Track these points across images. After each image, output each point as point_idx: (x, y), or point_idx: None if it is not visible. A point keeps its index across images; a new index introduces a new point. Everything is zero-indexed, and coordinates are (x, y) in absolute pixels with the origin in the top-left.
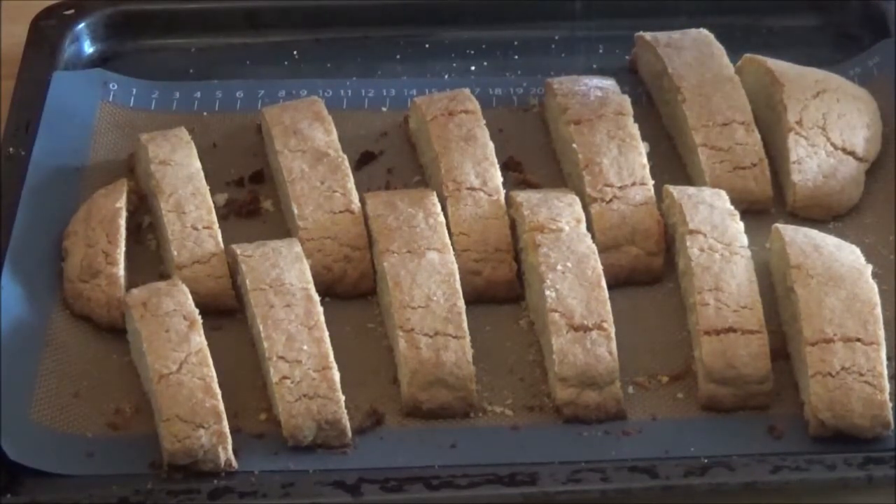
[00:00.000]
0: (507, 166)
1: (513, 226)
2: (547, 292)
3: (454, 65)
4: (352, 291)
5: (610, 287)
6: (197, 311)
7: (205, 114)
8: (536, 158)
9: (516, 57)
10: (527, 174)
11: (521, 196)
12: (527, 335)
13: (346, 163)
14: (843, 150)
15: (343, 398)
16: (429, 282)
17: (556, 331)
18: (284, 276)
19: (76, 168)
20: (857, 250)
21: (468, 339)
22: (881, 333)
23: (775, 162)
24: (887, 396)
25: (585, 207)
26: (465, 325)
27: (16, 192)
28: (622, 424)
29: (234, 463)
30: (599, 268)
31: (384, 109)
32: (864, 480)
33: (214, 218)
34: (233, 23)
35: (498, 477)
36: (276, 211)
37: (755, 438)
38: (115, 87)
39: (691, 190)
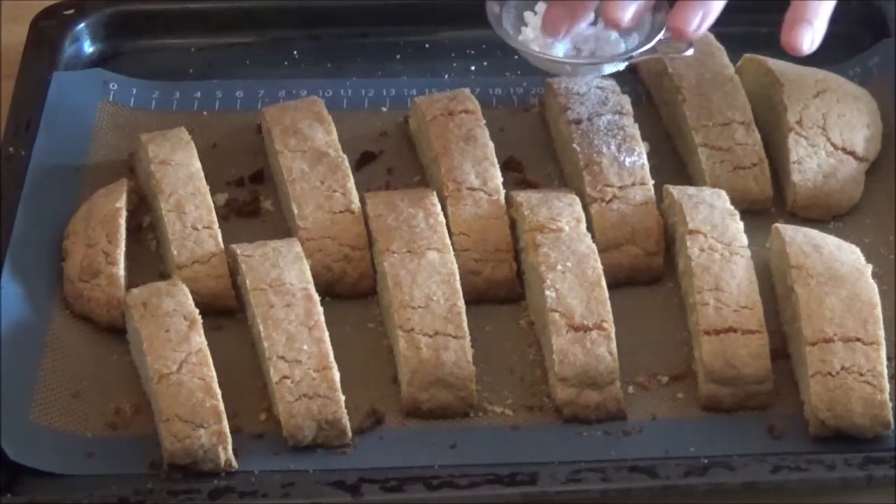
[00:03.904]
0: (507, 166)
1: (513, 226)
2: (547, 292)
3: (454, 65)
4: (352, 291)
5: (610, 287)
6: (197, 311)
7: (205, 113)
8: (536, 158)
9: (516, 57)
10: (527, 174)
11: (521, 196)
12: (527, 335)
13: (346, 163)
14: (843, 150)
15: (343, 398)
16: (429, 282)
17: (556, 331)
18: (284, 276)
19: (76, 168)
20: (857, 250)
21: (468, 339)
22: (881, 333)
23: (775, 162)
24: (887, 396)
25: (585, 207)
26: (465, 325)
27: (16, 192)
28: (622, 424)
29: (234, 463)
30: (599, 268)
31: (384, 109)
32: (864, 480)
33: (214, 218)
34: (232, 22)
35: (498, 477)
36: (276, 211)
37: (755, 438)
38: (115, 87)
39: (691, 190)
